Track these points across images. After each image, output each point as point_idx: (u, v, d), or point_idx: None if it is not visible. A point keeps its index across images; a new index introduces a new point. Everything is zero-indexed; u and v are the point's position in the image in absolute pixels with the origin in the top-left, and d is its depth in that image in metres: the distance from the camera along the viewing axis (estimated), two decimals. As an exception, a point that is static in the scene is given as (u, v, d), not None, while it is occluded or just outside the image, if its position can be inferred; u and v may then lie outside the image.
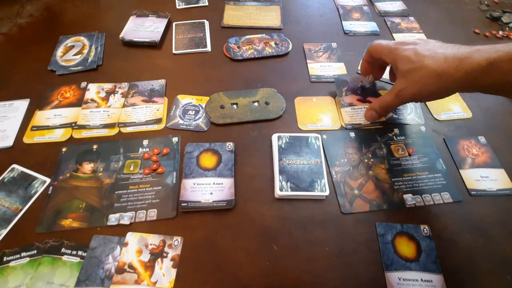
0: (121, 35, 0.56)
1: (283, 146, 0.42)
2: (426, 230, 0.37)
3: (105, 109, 0.47)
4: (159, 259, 0.34)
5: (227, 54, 0.55)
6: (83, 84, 0.50)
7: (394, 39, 0.60)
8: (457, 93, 0.51)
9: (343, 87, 0.49)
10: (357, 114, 0.47)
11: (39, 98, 0.47)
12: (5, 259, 0.33)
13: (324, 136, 0.44)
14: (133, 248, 0.34)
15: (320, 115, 0.47)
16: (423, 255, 0.35)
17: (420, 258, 0.35)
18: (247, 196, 0.39)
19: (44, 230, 0.35)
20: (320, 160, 0.41)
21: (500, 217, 0.38)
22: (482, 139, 0.45)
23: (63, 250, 0.34)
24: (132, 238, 0.35)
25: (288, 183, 0.38)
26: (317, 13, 0.65)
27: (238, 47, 0.56)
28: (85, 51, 0.54)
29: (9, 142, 0.42)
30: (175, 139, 0.43)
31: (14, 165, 0.40)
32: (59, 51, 0.54)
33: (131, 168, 0.40)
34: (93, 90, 0.49)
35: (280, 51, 0.55)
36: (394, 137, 0.45)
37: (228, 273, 0.33)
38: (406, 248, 0.35)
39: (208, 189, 0.38)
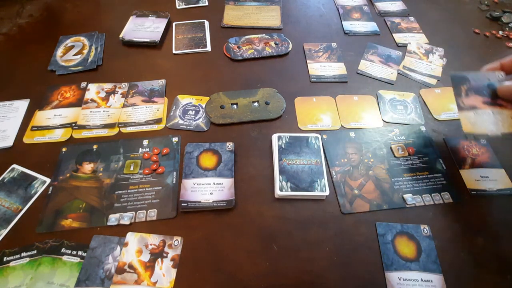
0: (121, 35, 0.56)
1: (283, 146, 0.42)
2: (426, 230, 0.37)
3: (105, 109, 0.47)
4: (159, 259, 0.34)
5: (227, 54, 0.55)
6: (83, 84, 0.50)
7: (394, 39, 0.60)
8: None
9: (463, 85, 0.38)
10: (482, 120, 0.35)
11: (39, 98, 0.47)
12: (5, 259, 0.33)
13: (324, 136, 0.44)
14: (133, 248, 0.34)
15: (320, 115, 0.47)
16: (423, 255, 0.35)
17: (420, 258, 0.35)
18: (247, 196, 0.39)
19: (44, 230, 0.35)
20: (320, 160, 0.41)
21: (500, 217, 0.38)
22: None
23: (63, 250, 0.34)
24: (132, 238, 0.35)
25: (288, 183, 0.38)
26: (317, 13, 0.65)
27: (238, 47, 0.56)
28: (85, 51, 0.54)
29: (9, 142, 0.42)
30: (175, 139, 0.43)
31: (14, 165, 0.40)
32: (59, 51, 0.54)
33: (131, 168, 0.40)
34: (93, 90, 0.49)
35: (280, 51, 0.55)
36: (394, 137, 0.45)
37: (228, 273, 0.33)
38: (406, 248, 0.35)
39: (208, 189, 0.38)
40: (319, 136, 0.43)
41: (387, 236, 0.36)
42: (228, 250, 0.35)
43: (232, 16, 0.62)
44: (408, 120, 0.47)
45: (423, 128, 0.46)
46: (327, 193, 0.38)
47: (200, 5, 0.65)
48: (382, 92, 0.50)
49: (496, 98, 0.37)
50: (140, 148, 0.42)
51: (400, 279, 0.33)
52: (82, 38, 0.56)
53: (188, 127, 0.45)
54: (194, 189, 0.38)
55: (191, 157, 0.41)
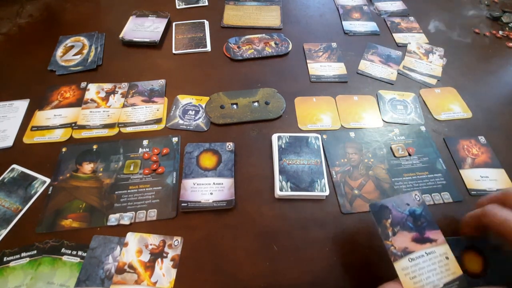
0: (121, 35, 0.56)
1: (283, 146, 0.42)
2: None
3: (105, 109, 0.47)
4: (159, 259, 0.34)
5: (227, 54, 0.55)
6: (83, 84, 0.50)
7: (394, 39, 0.60)
8: (456, 93, 0.51)
9: (385, 218, 0.31)
10: (420, 270, 0.28)
11: (39, 98, 0.47)
12: (5, 259, 0.33)
13: (324, 136, 0.44)
14: (133, 248, 0.34)
15: (320, 115, 0.47)
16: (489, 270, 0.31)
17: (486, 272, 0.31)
18: (247, 196, 0.39)
19: (44, 230, 0.35)
20: (320, 160, 0.41)
21: (500, 217, 0.38)
22: (482, 139, 0.45)
23: (63, 250, 0.34)
24: (132, 238, 0.35)
25: (288, 183, 0.38)
26: (317, 13, 0.65)
27: (238, 47, 0.56)
28: (85, 51, 0.54)
29: (9, 142, 0.42)
30: (175, 139, 0.43)
31: (14, 165, 0.40)
32: (59, 51, 0.54)
33: (131, 168, 0.40)
34: (93, 90, 0.49)
35: (280, 51, 0.55)
36: (394, 137, 0.45)
37: (228, 273, 0.33)
38: None
39: (208, 189, 0.38)
40: (319, 136, 0.43)
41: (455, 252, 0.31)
42: (228, 250, 0.35)
43: (232, 16, 0.62)
44: (408, 120, 0.47)
45: (423, 128, 0.46)
46: (327, 193, 0.38)
47: (200, 5, 0.65)
48: (382, 92, 0.50)
49: (423, 230, 0.30)
50: (140, 148, 0.42)
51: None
52: (82, 38, 0.56)
53: (188, 127, 0.45)
54: (194, 189, 0.38)
55: (191, 157, 0.41)
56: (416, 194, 0.32)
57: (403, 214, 0.31)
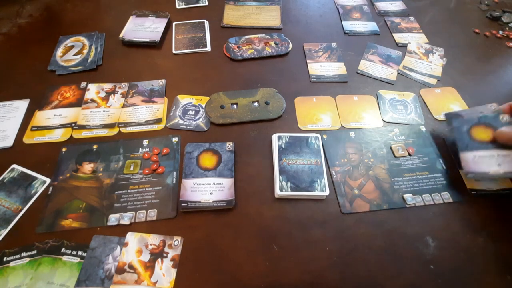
0: (121, 35, 0.56)
1: (283, 146, 0.42)
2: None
3: (105, 109, 0.47)
4: (159, 259, 0.34)
5: (227, 54, 0.55)
6: (83, 84, 0.50)
7: (394, 39, 0.60)
8: (457, 93, 0.51)
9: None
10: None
11: (39, 98, 0.47)
12: (5, 259, 0.33)
13: (324, 136, 0.44)
14: (133, 248, 0.34)
15: (320, 115, 0.47)
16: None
17: None
18: (247, 196, 0.39)
19: (44, 230, 0.35)
20: (320, 160, 0.41)
21: (500, 217, 0.38)
22: (482, 139, 0.45)
23: (63, 250, 0.34)
24: (132, 238, 0.35)
25: (288, 183, 0.38)
26: (317, 13, 0.65)
27: (238, 47, 0.56)
28: (85, 51, 0.54)
29: (9, 142, 0.42)
30: (175, 139, 0.43)
31: (14, 165, 0.40)
32: (59, 51, 0.54)
33: (131, 168, 0.40)
34: (93, 90, 0.49)
35: (280, 51, 0.55)
36: (394, 137, 0.45)
37: (228, 273, 0.33)
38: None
39: (208, 189, 0.38)
40: (319, 136, 0.43)
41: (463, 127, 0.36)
42: (228, 250, 0.35)
43: (232, 16, 0.62)
44: (408, 120, 0.47)
45: (423, 128, 0.46)
46: (327, 193, 0.38)
47: (200, 5, 0.65)
48: (382, 92, 0.50)
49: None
50: (140, 148, 0.42)
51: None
52: (82, 38, 0.56)
53: (188, 127, 0.45)
54: (194, 189, 0.38)
55: (191, 157, 0.41)
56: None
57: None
